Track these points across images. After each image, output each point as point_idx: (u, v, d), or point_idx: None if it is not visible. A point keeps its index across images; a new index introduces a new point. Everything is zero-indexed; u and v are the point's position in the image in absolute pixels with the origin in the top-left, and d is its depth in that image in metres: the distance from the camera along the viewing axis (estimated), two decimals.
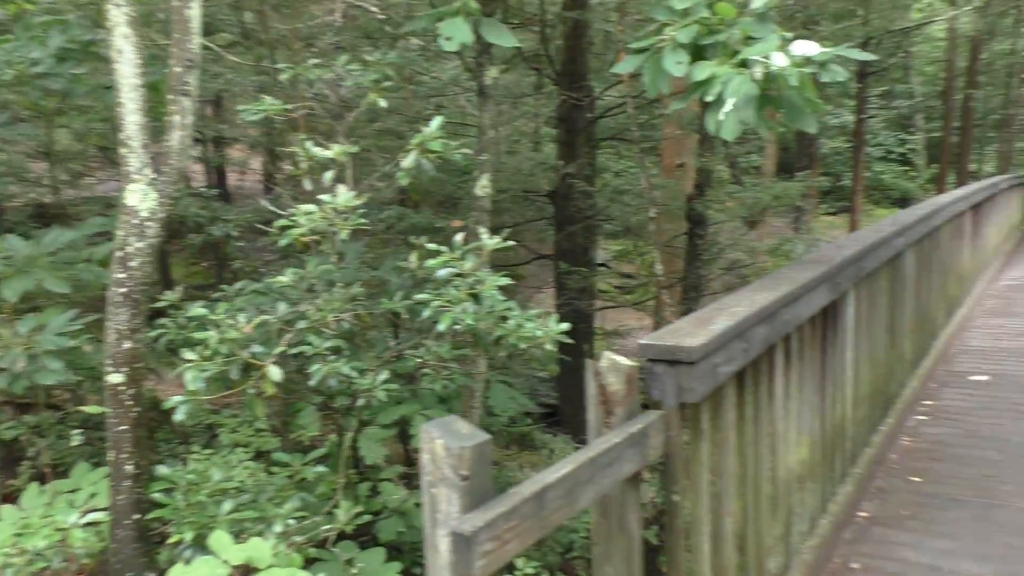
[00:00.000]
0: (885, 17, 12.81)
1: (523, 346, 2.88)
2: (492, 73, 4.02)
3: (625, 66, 3.06)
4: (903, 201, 23.36)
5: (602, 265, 16.54)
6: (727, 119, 2.74)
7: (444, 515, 1.72)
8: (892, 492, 3.97)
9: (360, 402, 3.14)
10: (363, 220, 3.08)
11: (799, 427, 3.17)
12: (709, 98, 2.80)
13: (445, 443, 1.72)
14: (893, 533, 3.56)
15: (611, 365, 2.25)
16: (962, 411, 5.10)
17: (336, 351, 3.22)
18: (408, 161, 2.89)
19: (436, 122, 2.91)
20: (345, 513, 3.04)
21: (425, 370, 3.35)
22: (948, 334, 6.54)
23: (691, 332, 2.32)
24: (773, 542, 2.99)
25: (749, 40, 2.88)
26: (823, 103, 2.75)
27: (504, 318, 3.04)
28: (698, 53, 2.95)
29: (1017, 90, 16.66)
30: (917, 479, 4.10)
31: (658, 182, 8.99)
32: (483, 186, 4.01)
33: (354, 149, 3.24)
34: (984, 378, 5.77)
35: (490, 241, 2.84)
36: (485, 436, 1.75)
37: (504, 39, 2.97)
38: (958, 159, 18.02)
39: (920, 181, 24.38)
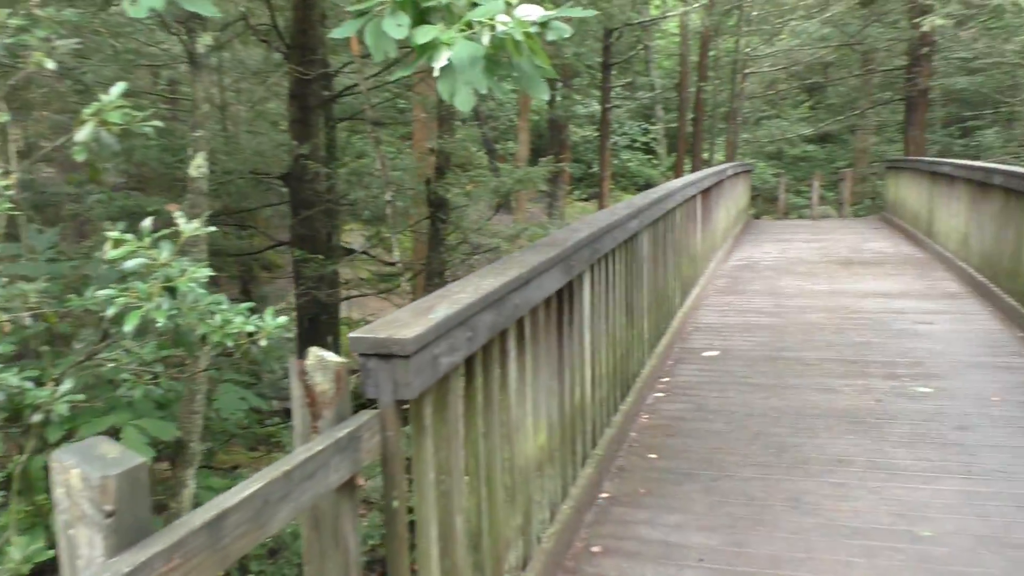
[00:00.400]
0: (623, 11, 13.43)
1: (230, 343, 2.54)
2: (205, 41, 3.59)
3: (345, 30, 2.79)
4: (648, 187, 24.93)
5: (363, 253, 16.20)
6: (458, 86, 2.56)
7: (85, 561, 1.39)
8: (631, 470, 4.03)
9: (37, 417, 2.65)
10: (7, 204, 2.58)
11: (536, 413, 3.08)
12: (436, 64, 2.61)
13: (83, 473, 1.38)
14: (631, 512, 3.59)
15: (318, 363, 1.99)
16: (695, 386, 5.34)
17: (6, 359, 2.70)
18: (83, 134, 2.44)
19: (117, 89, 2.48)
20: (20, 551, 2.55)
21: (124, 375, 2.91)
22: (683, 313, 6.88)
23: (407, 323, 2.11)
24: (513, 534, 2.87)
25: (474, 5, 2.71)
26: (554, 70, 2.63)
27: (213, 313, 2.68)
28: (422, 17, 2.75)
29: (740, 85, 18.26)
30: (654, 456, 4.20)
31: (402, 164, 8.78)
32: (198, 166, 3.59)
33: (4, 117, 2.72)
34: (714, 353, 6.11)
35: (188, 227, 2.46)
36: (137, 460, 1.43)
37: (201, 5, 2.59)
38: (693, 148, 19.41)
39: (662, 168, 26.09)
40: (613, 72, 25.66)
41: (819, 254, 11.28)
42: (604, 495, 3.77)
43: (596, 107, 23.88)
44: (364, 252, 16.03)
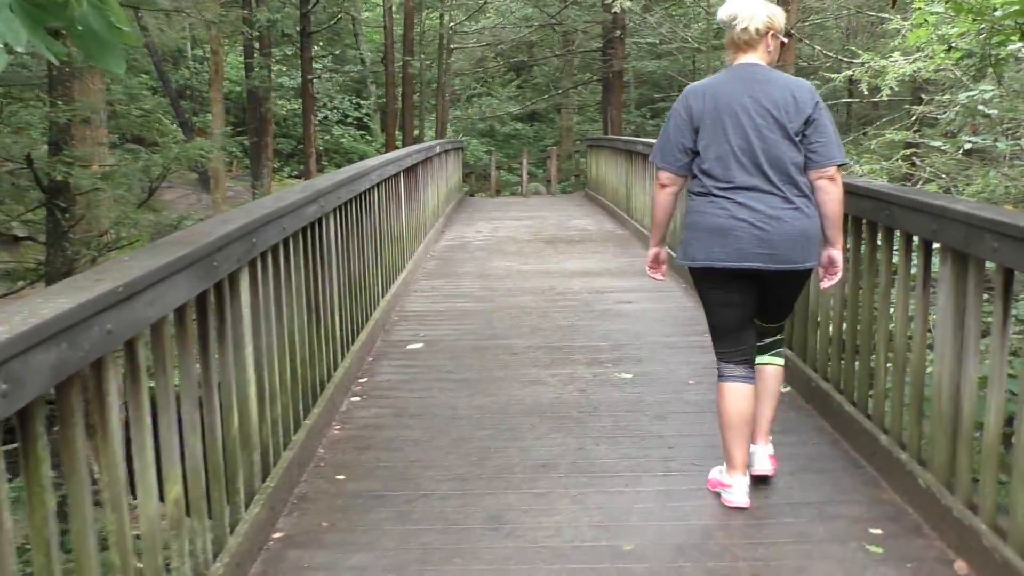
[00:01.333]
0: None
1: None
2: None
3: None
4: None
5: None
6: None
7: None
8: (315, 499, 3.44)
9: None
10: None
11: (168, 460, 2.40)
12: None
13: None
14: (308, 554, 3.01)
15: None
16: (395, 386, 4.85)
17: None
18: None
19: None
20: None
21: None
22: (387, 301, 6.38)
23: None
24: None
25: None
26: (133, 38, 1.94)
27: None
28: None
29: (447, 60, 18.11)
30: (342, 476, 3.64)
31: None
32: None
33: None
34: (419, 346, 5.67)
35: None
36: None
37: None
38: (404, 124, 19.00)
39: (376, 145, 25.52)
40: (319, 43, 24.60)
41: (528, 232, 11.32)
42: (278, 535, 3.15)
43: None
44: (31, 238, 13.90)
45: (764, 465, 3.37)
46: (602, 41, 20.00)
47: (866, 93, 8.86)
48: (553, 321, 6.24)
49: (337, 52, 24.94)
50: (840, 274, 3.32)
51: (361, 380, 4.93)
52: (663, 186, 3.26)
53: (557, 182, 19.44)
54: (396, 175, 7.16)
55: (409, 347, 5.65)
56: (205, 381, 2.69)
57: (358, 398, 4.65)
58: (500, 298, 7.08)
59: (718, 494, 3.31)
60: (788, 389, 4.39)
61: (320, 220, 4.20)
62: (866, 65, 8.46)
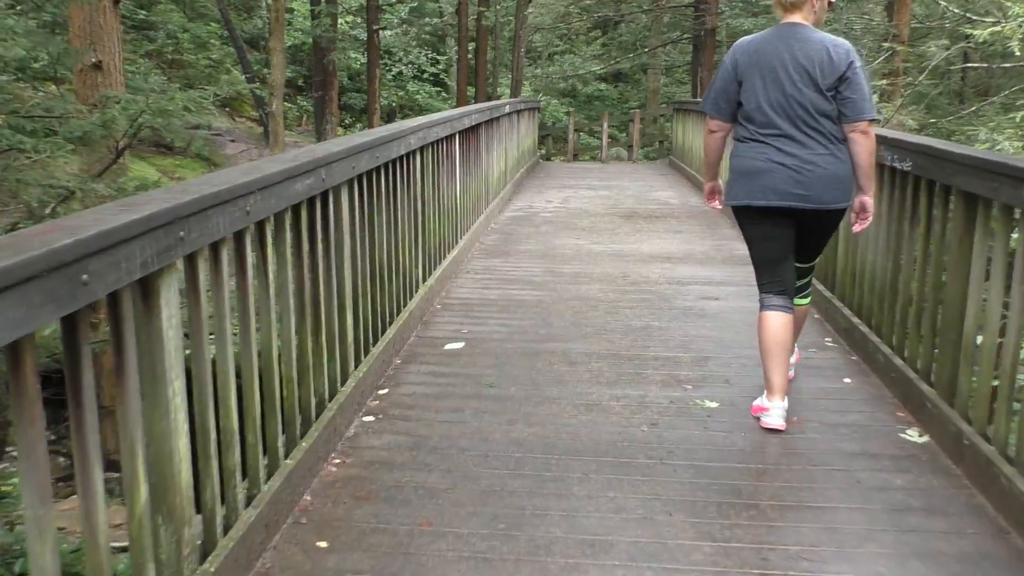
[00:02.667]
0: None
1: None
2: None
3: None
4: None
5: None
6: None
7: None
8: None
9: None
10: None
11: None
12: None
13: None
14: None
15: None
16: (420, 401, 3.92)
17: None
18: None
19: None
20: None
21: None
22: (429, 287, 5.44)
23: None
24: None
25: None
26: None
27: None
28: None
29: (525, 12, 16.81)
30: (324, 544, 2.72)
31: None
32: None
33: None
34: (458, 346, 4.72)
35: None
36: None
37: None
38: (476, 81, 17.95)
39: (452, 102, 24.56)
40: None
41: (604, 204, 10.24)
42: None
43: (385, 32, 21.84)
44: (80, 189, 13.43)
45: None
46: None
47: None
48: (623, 320, 5.21)
49: (415, 3, 23.93)
50: (871, 219, 3.62)
51: (381, 392, 4.01)
52: (711, 131, 3.69)
53: (639, 147, 18.16)
54: (448, 137, 6.18)
55: (447, 347, 4.70)
56: (126, 423, 1.79)
57: (372, 418, 3.73)
58: (563, 285, 6.07)
59: (758, 419, 3.61)
60: None
61: (320, 197, 3.25)
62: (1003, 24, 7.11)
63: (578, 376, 4.23)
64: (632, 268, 6.64)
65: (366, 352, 4.01)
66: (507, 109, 10.16)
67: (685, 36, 20.80)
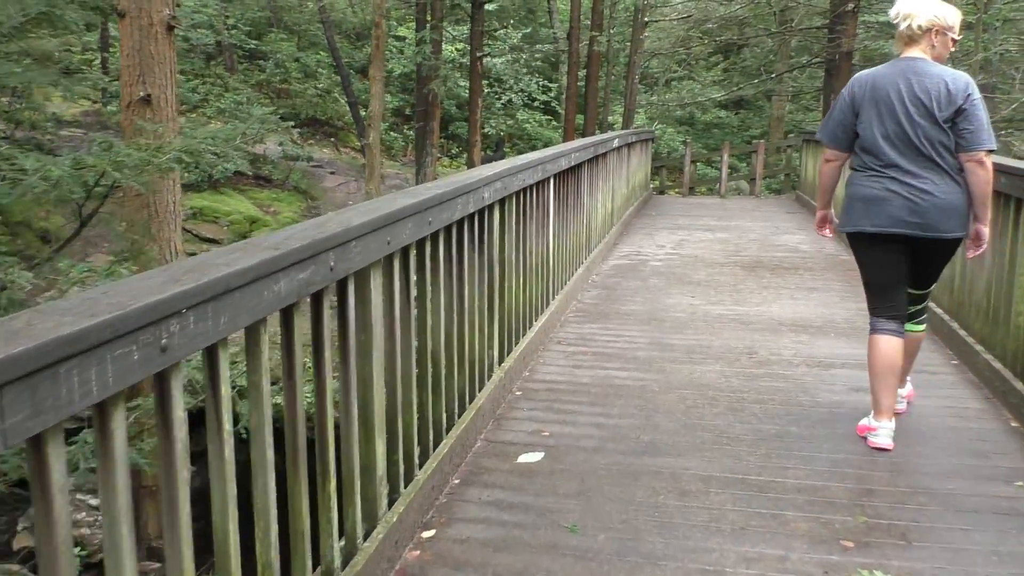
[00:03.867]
0: None
1: None
2: None
3: None
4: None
5: None
6: None
7: None
8: None
9: None
10: None
11: None
12: None
13: None
14: None
15: None
16: (474, 556, 2.89)
17: None
18: None
19: None
20: None
21: None
22: (509, 368, 4.45)
23: None
24: None
25: None
26: None
27: None
28: None
29: (640, 35, 15.67)
30: None
31: None
32: None
33: None
34: (535, 458, 3.69)
35: None
36: None
37: None
38: (585, 109, 16.94)
39: (563, 131, 23.67)
40: (509, 21, 23.01)
41: (723, 250, 9.03)
42: None
43: (493, 59, 21.22)
44: None
45: (899, 404, 4.00)
46: (828, 17, 17.03)
47: None
48: (751, 422, 4.06)
49: (528, 30, 23.22)
50: (985, 247, 3.70)
51: (426, 534, 3.02)
52: (828, 160, 3.84)
53: (762, 179, 16.74)
54: (540, 183, 5.19)
55: (521, 459, 3.67)
56: None
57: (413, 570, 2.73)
58: (673, 365, 4.96)
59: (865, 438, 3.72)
60: None
61: (329, 290, 2.30)
62: None
63: (692, 518, 3.12)
64: (759, 341, 5.46)
65: (407, 481, 3.04)
66: (616, 143, 9.11)
67: (816, 60, 19.25)
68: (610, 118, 20.99)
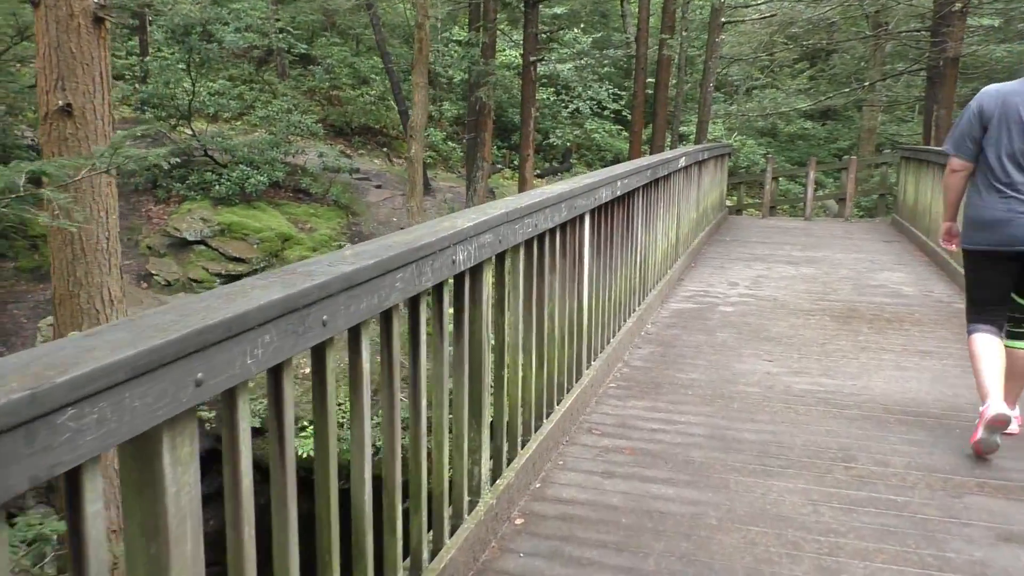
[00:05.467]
0: None
1: None
2: None
3: None
4: (617, 162, 21.09)
5: (201, 243, 12.38)
6: None
7: None
8: None
9: None
10: None
11: None
12: None
13: None
14: None
15: None
16: None
17: None
18: None
19: None
20: None
21: None
22: (510, 483, 3.21)
23: None
24: None
25: None
26: None
27: None
28: None
29: (717, 38, 14.11)
30: None
31: None
32: None
33: None
34: None
35: None
36: None
37: None
38: (654, 119, 15.52)
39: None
40: (580, 25, 21.73)
41: (808, 292, 7.59)
42: None
43: (557, 66, 20.01)
44: (203, 242, 12.26)
45: (1012, 426, 3.89)
46: (930, 20, 15.27)
47: None
48: None
49: (598, 34, 21.89)
50: None
51: None
52: (954, 171, 3.86)
53: (852, 199, 15.05)
54: (566, 224, 3.94)
55: None
56: None
57: None
58: (739, 478, 3.63)
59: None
60: None
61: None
62: None
63: None
64: (858, 438, 4.08)
65: None
66: (682, 162, 7.77)
67: (915, 67, 17.45)
68: (683, 128, 19.52)
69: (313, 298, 1.79)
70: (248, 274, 11.79)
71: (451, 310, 2.69)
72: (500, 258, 3.11)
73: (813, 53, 22.89)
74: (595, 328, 4.71)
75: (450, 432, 2.80)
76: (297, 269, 1.93)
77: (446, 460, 2.73)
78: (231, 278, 11.36)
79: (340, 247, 11.77)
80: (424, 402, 2.51)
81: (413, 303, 2.43)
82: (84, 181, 4.39)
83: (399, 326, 2.33)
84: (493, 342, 3.17)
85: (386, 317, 2.28)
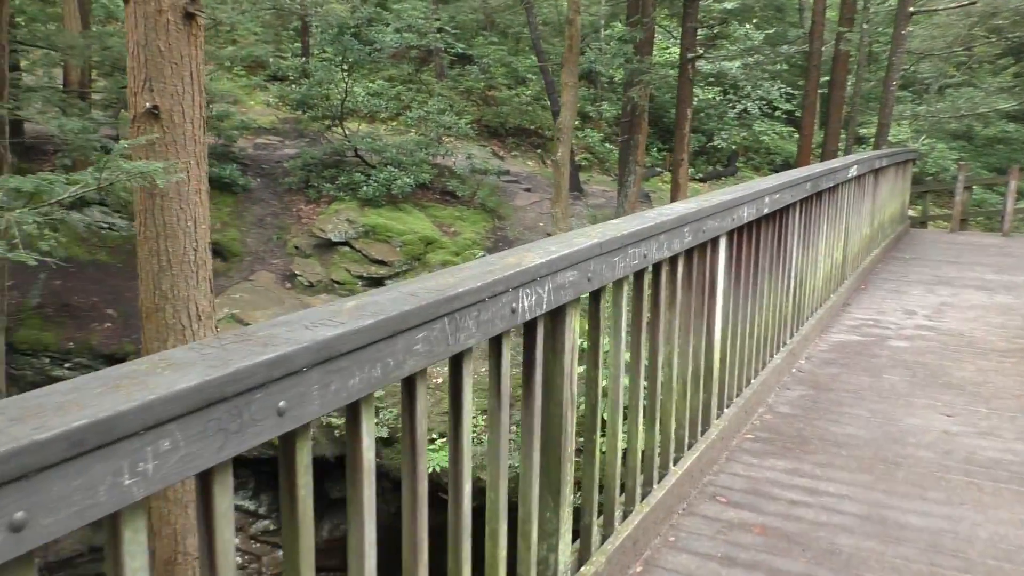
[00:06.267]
0: None
1: None
2: None
3: None
4: (787, 167, 19.69)
5: (345, 244, 12.36)
6: None
7: None
8: None
9: None
10: None
11: None
12: None
13: None
14: None
15: None
16: None
17: None
18: None
19: None
20: None
21: None
22: (614, 549, 2.62)
23: None
24: None
25: None
26: None
27: None
28: None
29: (903, 32, 12.61)
30: None
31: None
32: None
33: None
34: None
35: None
36: None
37: None
38: (827, 120, 14.21)
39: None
40: (752, 20, 20.49)
41: (1004, 326, 6.47)
42: None
43: (724, 63, 18.94)
44: (347, 244, 12.23)
45: None
46: None
47: None
48: None
49: (772, 30, 20.56)
50: None
51: None
52: None
53: None
54: (692, 251, 3.28)
55: None
56: None
57: None
58: None
59: None
60: None
61: None
62: None
63: None
64: None
65: None
66: (854, 171, 6.82)
67: None
68: (862, 130, 17.94)
69: (259, 380, 1.29)
70: (390, 278, 11.66)
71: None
72: (595, 296, 2.52)
73: (1019, 47, 20.50)
74: (730, 369, 4.00)
75: (514, 515, 2.25)
76: (257, 333, 1.43)
77: (501, 553, 2.17)
78: (373, 281, 11.28)
79: (477, 256, 11.43)
80: (468, 486, 1.98)
81: (456, 362, 1.91)
82: (170, 188, 4.16)
83: (425, 397, 1.80)
84: (583, 401, 2.59)
85: (408, 385, 1.76)
